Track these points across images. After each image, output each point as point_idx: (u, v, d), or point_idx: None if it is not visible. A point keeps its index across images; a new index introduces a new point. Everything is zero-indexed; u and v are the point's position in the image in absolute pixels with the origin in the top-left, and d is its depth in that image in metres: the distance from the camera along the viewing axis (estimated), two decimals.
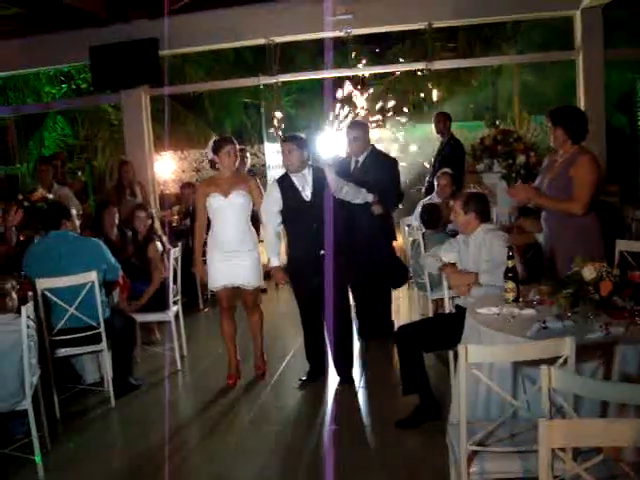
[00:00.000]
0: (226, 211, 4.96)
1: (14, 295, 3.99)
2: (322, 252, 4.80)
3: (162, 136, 10.02)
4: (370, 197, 5.29)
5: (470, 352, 2.47)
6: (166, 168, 10.31)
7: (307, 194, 4.87)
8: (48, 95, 13.77)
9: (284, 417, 4.58)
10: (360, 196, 5.17)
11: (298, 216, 4.89)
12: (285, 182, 4.91)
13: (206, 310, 7.29)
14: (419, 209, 6.44)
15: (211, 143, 5.07)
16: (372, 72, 10.37)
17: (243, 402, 4.87)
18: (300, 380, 5.10)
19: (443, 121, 8.02)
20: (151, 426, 4.52)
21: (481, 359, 2.57)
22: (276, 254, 4.99)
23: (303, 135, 4.99)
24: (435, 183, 6.71)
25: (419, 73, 9.62)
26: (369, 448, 4.03)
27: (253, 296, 5.21)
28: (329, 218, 4.77)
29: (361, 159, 5.81)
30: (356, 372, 5.25)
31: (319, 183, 4.88)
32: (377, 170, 5.66)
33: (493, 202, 6.57)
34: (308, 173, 4.90)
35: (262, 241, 5.25)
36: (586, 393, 2.29)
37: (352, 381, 5.01)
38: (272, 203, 4.91)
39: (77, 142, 14.37)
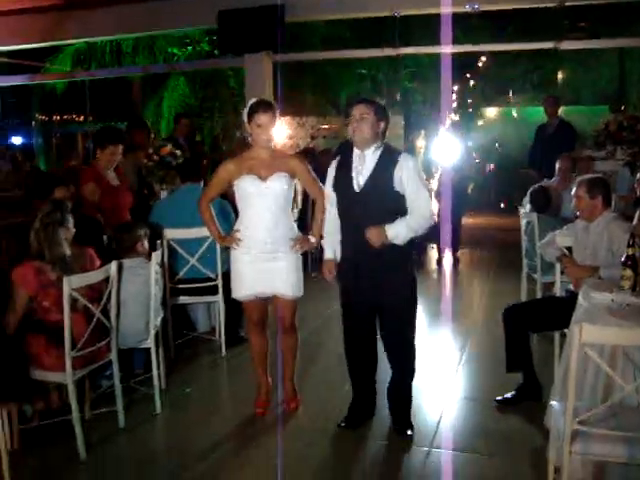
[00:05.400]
0: (263, 200, 3.86)
1: (145, 242, 4.30)
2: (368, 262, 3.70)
3: (282, 101, 10.23)
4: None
5: (584, 331, 2.49)
6: (284, 133, 10.59)
7: (359, 182, 3.67)
8: (173, 57, 14.31)
9: None
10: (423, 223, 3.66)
11: (344, 208, 3.79)
12: (344, 160, 3.81)
13: (314, 275, 7.47)
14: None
15: (246, 107, 3.90)
16: (495, 50, 10.18)
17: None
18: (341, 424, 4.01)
19: (554, 104, 8.07)
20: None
21: (595, 339, 2.58)
22: (329, 244, 3.91)
23: (382, 102, 3.87)
24: (557, 166, 6.58)
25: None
26: (466, 422, 4.09)
27: (291, 311, 4.07)
28: (380, 221, 3.61)
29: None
30: (457, 348, 5.32)
31: (382, 170, 3.64)
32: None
33: (613, 189, 6.41)
34: (373, 153, 3.68)
35: None
36: None
37: (409, 433, 3.85)
38: (328, 182, 3.89)
39: (196, 103, 14.86)
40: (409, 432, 3.86)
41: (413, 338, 3.87)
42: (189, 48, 14.26)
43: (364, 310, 3.86)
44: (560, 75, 13.73)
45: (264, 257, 3.90)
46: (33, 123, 18.04)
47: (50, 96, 15.24)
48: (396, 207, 3.63)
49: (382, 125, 3.68)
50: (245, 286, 3.97)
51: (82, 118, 18.67)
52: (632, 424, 2.70)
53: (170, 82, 14.56)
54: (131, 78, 14.80)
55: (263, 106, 3.83)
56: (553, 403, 3.10)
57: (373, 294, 3.75)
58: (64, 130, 19.60)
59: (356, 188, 3.67)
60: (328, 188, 3.87)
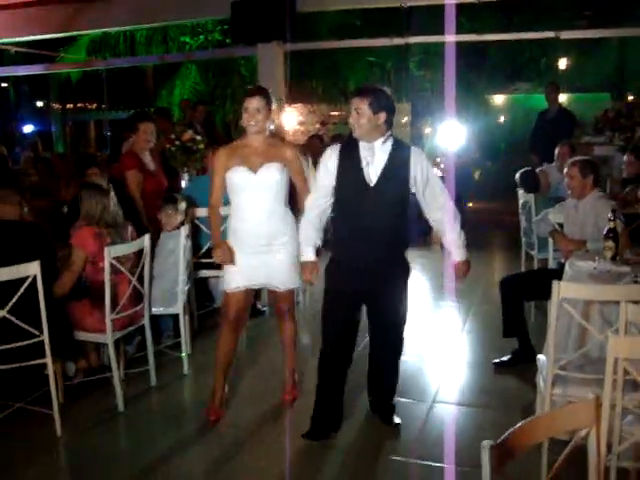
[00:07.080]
0: (255, 192, 3.70)
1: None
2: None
3: (293, 89, 10.59)
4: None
5: (562, 288, 2.91)
6: (295, 120, 10.97)
7: (372, 175, 3.42)
8: (185, 46, 14.67)
9: None
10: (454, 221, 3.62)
11: (353, 204, 3.49)
12: (348, 150, 3.49)
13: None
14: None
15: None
16: (498, 39, 10.51)
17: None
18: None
19: (555, 91, 8.39)
20: (274, 346, 4.94)
21: (571, 294, 2.99)
22: (311, 243, 3.62)
23: (386, 89, 3.49)
24: (556, 151, 6.90)
25: None
26: (466, 381, 4.53)
27: (289, 301, 4.04)
28: (398, 219, 3.52)
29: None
30: (460, 319, 5.74)
31: (396, 166, 3.43)
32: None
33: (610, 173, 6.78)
34: (382, 145, 3.44)
35: None
36: None
37: (397, 421, 3.82)
38: (324, 174, 3.53)
39: (208, 89, 15.21)
40: (397, 420, 3.81)
41: (404, 323, 3.72)
42: (201, 37, 14.61)
43: (353, 300, 3.59)
44: (566, 62, 14.02)
45: (259, 250, 3.76)
46: (50, 111, 18.45)
47: (65, 85, 15.63)
48: (405, 204, 3.50)
49: (382, 116, 3.37)
50: (236, 278, 3.79)
51: (95, 106, 19.11)
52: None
53: (182, 70, 14.93)
54: (144, 67, 15.17)
55: (251, 91, 3.73)
56: (540, 356, 3.50)
57: (366, 282, 3.52)
58: (77, 118, 20.04)
59: (369, 182, 3.41)
60: (323, 180, 3.53)
